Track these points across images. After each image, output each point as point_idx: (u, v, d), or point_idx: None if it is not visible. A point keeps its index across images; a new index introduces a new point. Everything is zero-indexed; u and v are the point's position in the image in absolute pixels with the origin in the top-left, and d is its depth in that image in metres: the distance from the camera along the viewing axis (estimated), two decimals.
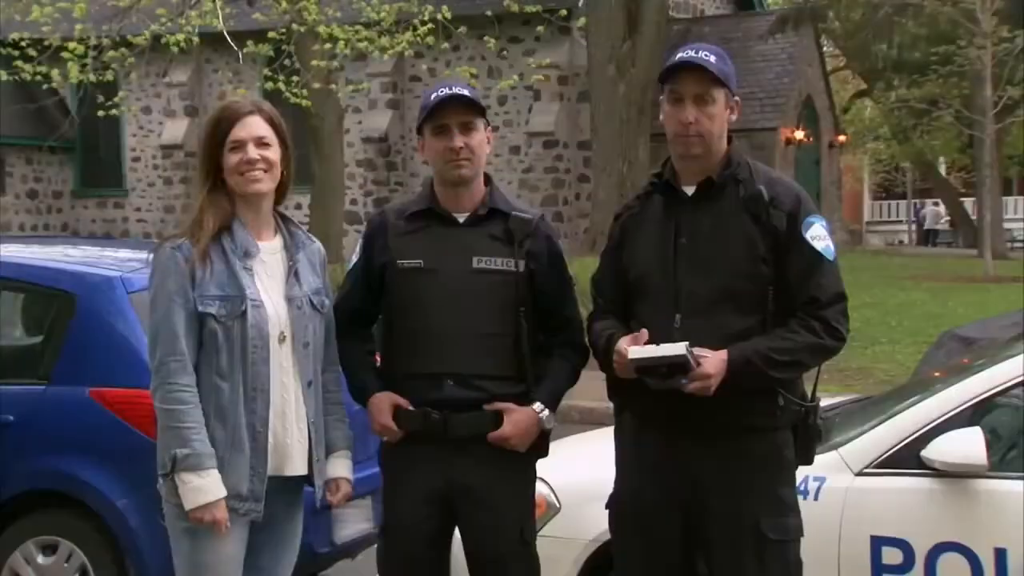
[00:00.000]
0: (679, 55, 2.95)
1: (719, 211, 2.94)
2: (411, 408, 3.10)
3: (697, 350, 2.81)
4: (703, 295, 2.91)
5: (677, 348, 2.77)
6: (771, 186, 2.93)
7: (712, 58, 2.92)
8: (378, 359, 3.27)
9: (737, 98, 2.96)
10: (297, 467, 3.01)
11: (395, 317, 3.16)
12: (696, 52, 2.93)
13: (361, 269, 3.22)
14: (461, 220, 3.11)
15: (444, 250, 3.09)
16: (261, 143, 2.95)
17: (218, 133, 2.94)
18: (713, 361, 2.80)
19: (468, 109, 3.07)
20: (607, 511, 3.15)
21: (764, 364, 2.83)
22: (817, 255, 2.90)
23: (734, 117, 2.96)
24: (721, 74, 2.91)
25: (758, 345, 2.85)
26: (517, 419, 3.07)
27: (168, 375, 2.87)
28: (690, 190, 2.98)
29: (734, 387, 2.82)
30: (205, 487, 2.85)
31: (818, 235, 2.91)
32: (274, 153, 2.98)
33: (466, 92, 3.10)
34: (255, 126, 2.95)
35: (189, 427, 2.85)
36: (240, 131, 2.93)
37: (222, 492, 2.86)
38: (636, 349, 2.83)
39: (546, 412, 3.10)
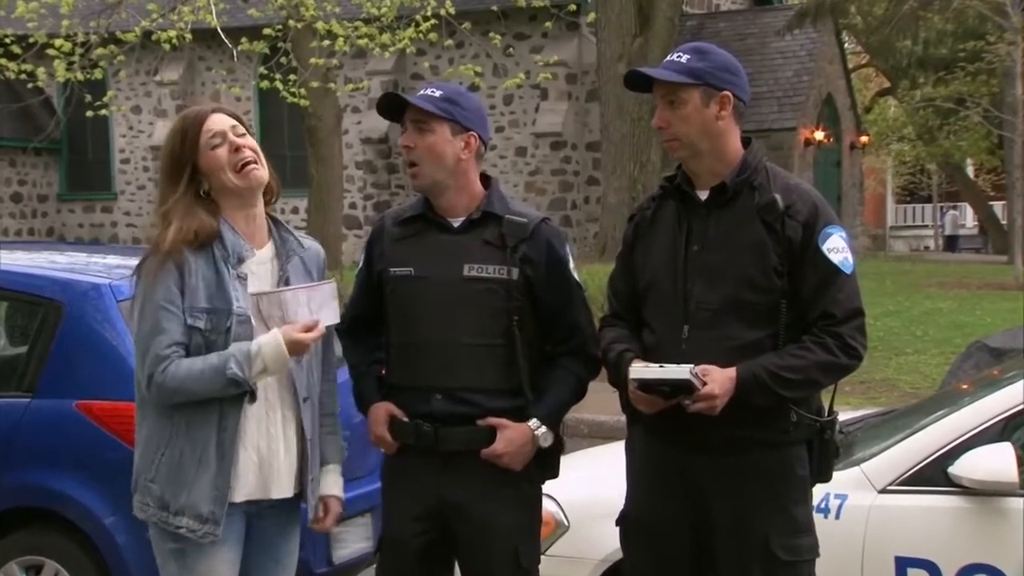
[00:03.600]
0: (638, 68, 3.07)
1: (732, 218, 2.94)
2: (405, 420, 3.11)
3: (704, 368, 2.81)
4: (712, 306, 2.91)
5: (680, 371, 2.79)
6: (787, 193, 2.93)
7: (684, 58, 2.95)
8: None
9: (727, 92, 2.93)
10: (284, 488, 2.99)
11: (390, 326, 3.18)
12: (671, 56, 2.98)
13: (364, 276, 3.25)
14: (456, 225, 3.12)
15: (435, 257, 3.09)
16: (236, 131, 2.94)
17: (187, 138, 2.90)
18: (719, 380, 2.80)
19: (419, 109, 3.05)
20: (617, 528, 3.15)
21: (773, 383, 2.83)
22: (833, 268, 2.89)
23: (725, 113, 2.93)
24: (687, 74, 2.91)
25: (768, 363, 2.84)
26: (510, 436, 3.05)
27: (158, 361, 2.80)
28: (704, 195, 2.98)
29: (743, 404, 2.83)
30: (271, 350, 2.79)
31: (835, 247, 2.90)
32: (253, 141, 2.96)
33: (422, 94, 3.08)
34: (223, 119, 2.94)
35: (211, 363, 2.79)
36: (212, 125, 2.92)
37: (279, 336, 2.81)
38: (637, 369, 2.86)
39: (543, 429, 3.07)
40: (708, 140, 2.94)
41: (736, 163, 2.97)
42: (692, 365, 2.80)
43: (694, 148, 2.95)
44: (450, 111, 3.06)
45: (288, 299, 2.89)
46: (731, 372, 2.82)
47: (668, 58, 2.99)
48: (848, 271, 2.91)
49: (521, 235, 3.07)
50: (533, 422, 3.07)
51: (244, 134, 2.95)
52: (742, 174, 2.95)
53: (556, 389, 3.13)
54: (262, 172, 2.94)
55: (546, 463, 3.16)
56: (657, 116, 2.98)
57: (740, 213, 2.93)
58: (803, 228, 2.89)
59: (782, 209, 2.89)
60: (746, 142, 3.02)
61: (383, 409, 3.15)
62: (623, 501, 3.15)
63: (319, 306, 2.91)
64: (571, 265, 3.16)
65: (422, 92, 3.11)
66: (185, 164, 2.91)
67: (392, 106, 3.13)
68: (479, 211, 3.10)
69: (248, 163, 2.91)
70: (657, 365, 2.84)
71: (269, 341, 2.82)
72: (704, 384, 2.79)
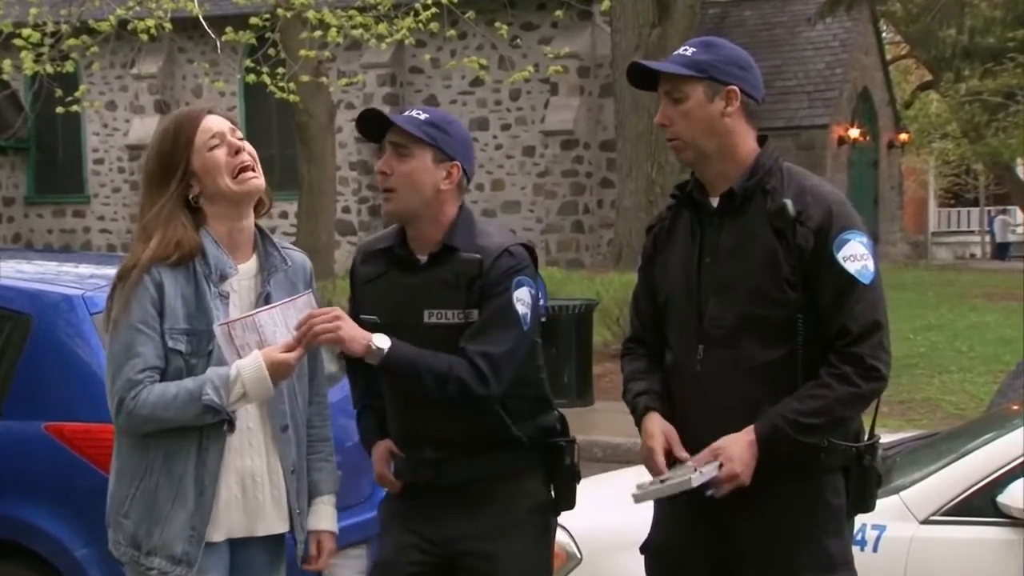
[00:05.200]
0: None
1: (743, 227, 2.94)
2: (402, 456, 3.15)
3: (718, 447, 2.83)
4: (726, 322, 2.92)
5: (682, 479, 2.82)
6: (800, 197, 2.91)
7: (690, 51, 2.96)
8: None
9: (733, 87, 2.92)
10: (273, 525, 3.00)
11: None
12: (679, 50, 3.00)
13: (352, 308, 3.27)
14: (423, 260, 3.10)
15: (398, 302, 3.08)
16: (235, 134, 2.95)
17: (181, 137, 2.90)
18: (738, 456, 2.83)
19: (401, 131, 3.04)
20: (641, 556, 3.15)
21: (797, 433, 2.84)
22: (849, 279, 2.87)
23: (731, 109, 2.93)
24: (690, 66, 2.92)
25: (787, 411, 2.85)
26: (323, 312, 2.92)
27: (129, 386, 2.82)
28: (716, 202, 2.99)
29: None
30: (251, 375, 2.79)
31: (852, 255, 2.88)
32: (251, 147, 2.97)
33: (407, 115, 3.06)
34: (220, 120, 2.95)
35: (185, 388, 2.80)
36: (211, 125, 2.92)
37: (260, 359, 2.80)
38: (638, 492, 2.90)
39: (382, 336, 2.95)
40: (714, 139, 2.94)
41: (748, 166, 2.97)
42: (693, 470, 2.82)
43: (698, 148, 2.96)
44: (434, 136, 3.05)
45: (264, 320, 2.86)
46: (749, 437, 2.84)
47: (675, 52, 3.02)
48: (867, 281, 2.88)
49: (472, 273, 3.03)
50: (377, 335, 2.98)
51: (243, 138, 2.97)
52: (753, 177, 2.95)
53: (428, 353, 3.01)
54: (260, 181, 2.95)
55: (561, 493, 3.17)
56: (660, 113, 2.99)
57: (751, 221, 2.93)
58: (815, 235, 2.87)
59: (793, 215, 2.88)
60: (762, 141, 3.02)
61: (383, 447, 3.19)
62: (640, 531, 3.16)
63: (297, 322, 2.90)
64: (516, 303, 3.03)
65: (407, 113, 3.11)
66: (177, 165, 2.90)
67: (373, 126, 3.11)
68: (439, 245, 3.08)
69: (247, 168, 2.92)
70: (659, 479, 2.87)
71: (249, 365, 2.81)
72: (721, 465, 2.82)
